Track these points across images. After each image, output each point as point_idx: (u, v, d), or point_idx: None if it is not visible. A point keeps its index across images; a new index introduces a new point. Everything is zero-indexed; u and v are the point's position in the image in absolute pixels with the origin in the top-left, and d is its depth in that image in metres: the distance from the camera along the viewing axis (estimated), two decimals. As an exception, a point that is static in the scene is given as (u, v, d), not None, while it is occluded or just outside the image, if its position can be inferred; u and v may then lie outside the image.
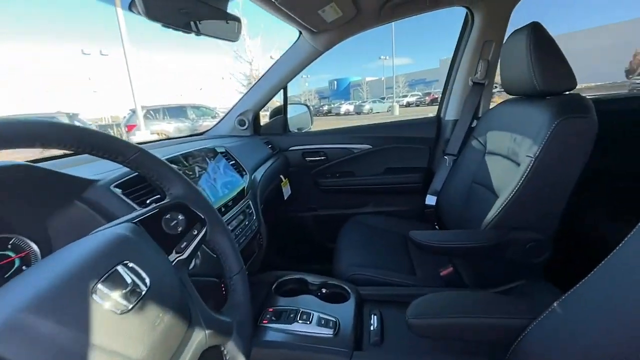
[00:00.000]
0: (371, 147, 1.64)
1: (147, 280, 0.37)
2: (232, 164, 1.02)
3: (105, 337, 0.31)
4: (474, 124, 1.40)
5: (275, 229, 1.83)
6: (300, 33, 1.37)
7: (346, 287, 0.97)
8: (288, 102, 1.78)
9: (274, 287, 0.96)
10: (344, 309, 0.88)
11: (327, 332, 0.77)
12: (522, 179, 0.86)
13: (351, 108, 26.99)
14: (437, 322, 0.59)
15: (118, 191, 0.59)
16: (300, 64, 1.44)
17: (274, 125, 1.73)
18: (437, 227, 1.49)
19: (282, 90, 1.62)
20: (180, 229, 0.47)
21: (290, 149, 1.69)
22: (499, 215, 0.90)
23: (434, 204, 1.47)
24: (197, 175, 0.80)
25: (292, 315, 0.81)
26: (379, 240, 1.31)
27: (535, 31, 0.92)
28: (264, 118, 1.78)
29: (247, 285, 0.53)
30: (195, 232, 0.49)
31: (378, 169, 1.65)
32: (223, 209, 0.81)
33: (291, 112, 1.87)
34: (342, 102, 32.07)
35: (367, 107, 26.05)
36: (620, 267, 0.46)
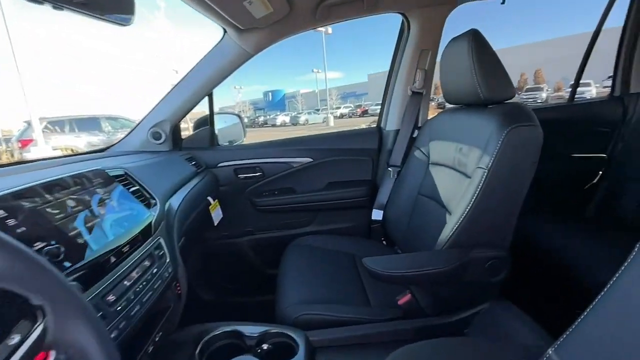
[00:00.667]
0: (312, 160, 1.50)
1: None
2: (133, 191, 0.77)
3: None
4: (415, 134, 1.36)
5: (206, 261, 1.56)
6: (225, 31, 1.17)
7: (293, 336, 0.79)
8: (217, 112, 1.56)
9: (198, 349, 0.74)
10: None
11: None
12: (477, 192, 0.80)
13: (287, 119, 27.08)
14: None
15: None
16: (226, 67, 1.24)
17: (198, 138, 1.49)
18: (384, 242, 1.41)
19: (207, 98, 1.39)
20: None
21: (220, 165, 1.46)
22: (456, 232, 0.83)
23: (380, 218, 1.38)
24: (70, 214, 0.55)
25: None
26: (326, 265, 1.16)
27: (476, 39, 0.88)
28: (186, 131, 1.52)
29: None
30: (16, 340, 0.27)
31: (320, 184, 1.51)
32: (113, 259, 0.57)
33: (220, 123, 1.65)
34: (278, 113, 31.97)
35: (303, 118, 26.40)
36: (621, 301, 0.38)
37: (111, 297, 0.54)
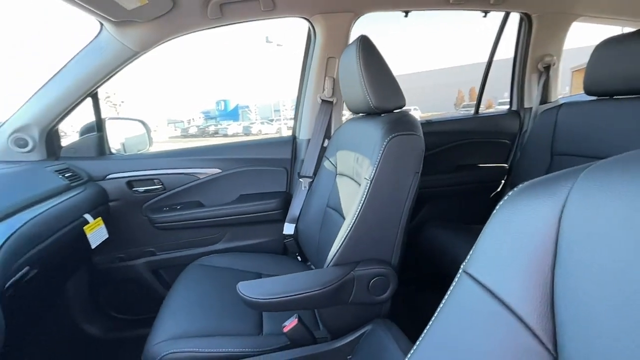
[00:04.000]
0: (220, 171, 1.37)
1: None
2: None
3: None
4: (326, 144, 1.32)
5: (94, 289, 1.34)
6: (102, 25, 1.02)
7: None
8: (109, 117, 1.37)
9: None
10: None
11: None
12: (361, 204, 0.75)
13: (240, 129, 26.42)
14: None
15: None
16: (106, 64, 1.08)
17: (82, 146, 1.28)
18: (299, 258, 1.33)
19: (90, 100, 1.21)
20: None
21: (109, 177, 1.27)
22: (341, 248, 0.77)
23: (292, 232, 1.30)
24: None
25: None
26: (225, 288, 1.03)
27: (364, 45, 0.85)
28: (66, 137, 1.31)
29: None
30: None
31: (230, 197, 1.39)
32: None
33: (121, 130, 1.46)
34: (231, 122, 31.09)
35: (256, 128, 25.96)
36: (439, 337, 0.34)
37: None
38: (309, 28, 1.28)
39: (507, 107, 1.67)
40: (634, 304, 0.20)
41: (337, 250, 0.76)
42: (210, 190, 1.37)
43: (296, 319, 0.78)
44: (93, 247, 1.10)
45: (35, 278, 0.86)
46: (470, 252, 0.34)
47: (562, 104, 1.21)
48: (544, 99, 1.54)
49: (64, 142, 1.27)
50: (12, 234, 0.74)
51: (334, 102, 1.33)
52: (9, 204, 0.80)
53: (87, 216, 1.10)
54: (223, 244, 1.39)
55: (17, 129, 1.09)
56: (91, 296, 1.32)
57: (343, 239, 0.76)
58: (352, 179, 0.96)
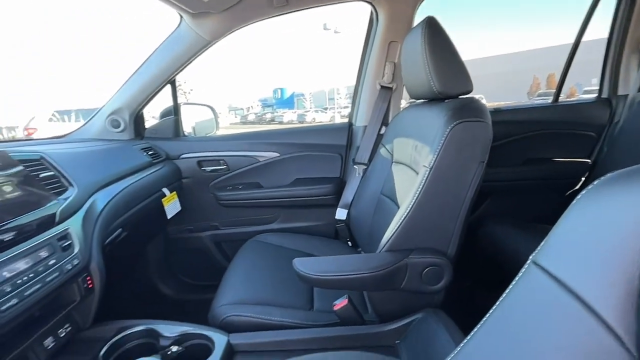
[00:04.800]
0: (279, 155, 1.44)
1: None
2: (46, 177, 0.73)
3: None
4: (383, 131, 1.30)
5: (168, 255, 1.52)
6: (182, 17, 1.13)
7: (212, 337, 0.74)
8: (184, 102, 1.52)
9: (104, 349, 0.69)
10: None
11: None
12: (418, 191, 0.74)
13: (294, 117, 27.04)
14: None
15: None
16: (185, 53, 1.20)
17: (161, 128, 1.44)
18: (349, 244, 1.35)
19: (170, 86, 1.35)
20: None
21: (183, 156, 1.42)
22: (396, 234, 0.77)
23: (344, 218, 1.32)
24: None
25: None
26: (279, 264, 1.11)
27: (430, 27, 0.82)
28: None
29: None
30: None
31: (287, 180, 1.46)
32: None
33: (192, 114, 1.61)
34: (286, 110, 31.96)
35: (310, 116, 26.32)
36: (501, 324, 0.34)
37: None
38: (372, 12, 1.25)
39: (595, 95, 1.46)
40: None
41: (391, 237, 0.76)
42: (268, 172, 1.45)
43: (346, 299, 0.81)
44: (169, 217, 1.25)
45: (125, 239, 1.02)
46: (542, 243, 0.33)
47: None
48: (645, 85, 1.32)
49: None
50: (111, 200, 0.88)
51: (394, 88, 1.30)
52: (109, 174, 0.95)
53: (165, 190, 1.24)
54: (278, 224, 1.47)
55: (112, 111, 1.27)
56: (165, 261, 1.50)
57: (397, 226, 0.76)
58: (410, 167, 0.94)
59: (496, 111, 1.45)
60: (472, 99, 0.81)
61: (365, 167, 1.31)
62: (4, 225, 0.57)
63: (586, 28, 1.37)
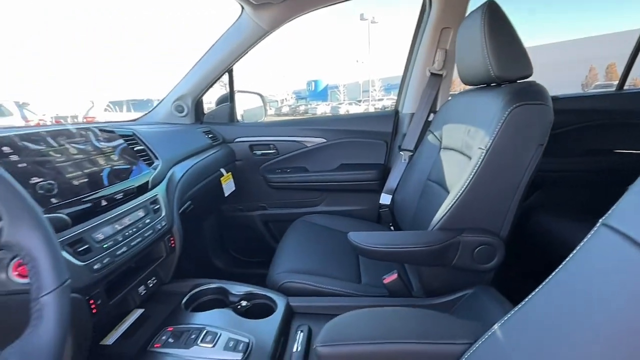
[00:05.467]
0: (325, 141, 1.51)
1: None
2: (138, 150, 0.84)
3: None
4: (430, 118, 1.31)
5: (221, 231, 1.65)
6: (243, 8, 1.21)
7: (274, 298, 0.82)
8: (238, 90, 1.62)
9: (184, 299, 0.80)
10: (265, 325, 0.73)
11: (233, 358, 0.62)
12: (473, 173, 0.76)
13: (328, 109, 27.01)
14: (351, 351, 0.46)
15: None
16: (243, 43, 1.28)
17: (218, 114, 1.56)
18: (392, 228, 1.38)
19: (227, 75, 1.45)
20: None
21: (237, 140, 1.53)
22: (448, 214, 0.80)
23: (388, 203, 1.36)
24: (71, 159, 0.62)
25: (193, 337, 0.65)
26: (327, 242, 1.18)
27: (491, 11, 0.82)
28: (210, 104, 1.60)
29: (64, 317, 0.35)
30: None
31: (332, 165, 1.52)
32: (104, 203, 0.64)
33: (243, 101, 1.71)
34: (319, 103, 32.00)
35: (343, 109, 26.15)
36: (566, 283, 0.36)
37: (99, 235, 0.60)
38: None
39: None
40: None
41: (443, 216, 0.79)
42: (315, 157, 1.52)
43: (396, 274, 0.85)
44: (226, 195, 1.36)
45: (191, 212, 1.13)
46: (613, 207, 0.35)
47: None
48: None
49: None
50: (185, 173, 0.99)
51: (444, 75, 1.30)
52: (182, 152, 1.07)
53: (222, 170, 1.35)
54: (323, 207, 1.54)
55: (178, 97, 1.39)
56: (219, 236, 1.64)
57: (450, 206, 0.79)
58: (461, 152, 0.95)
59: (553, 99, 1.40)
60: (532, 82, 0.80)
61: (411, 153, 1.33)
62: (115, 186, 0.68)
63: None
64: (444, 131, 1.10)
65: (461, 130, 0.96)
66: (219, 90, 1.61)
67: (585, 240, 0.37)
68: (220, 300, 0.83)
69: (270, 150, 1.54)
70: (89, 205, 0.60)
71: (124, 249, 0.64)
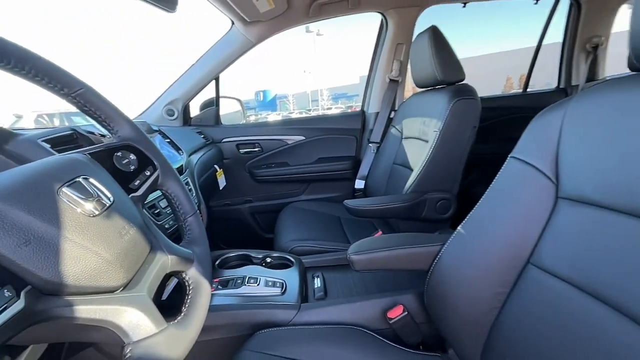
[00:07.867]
0: (304, 138, 1.73)
1: (110, 196, 0.37)
2: (167, 142, 0.99)
3: (74, 232, 0.31)
4: (392, 115, 1.61)
5: (210, 224, 1.77)
6: (233, 23, 1.40)
7: (289, 257, 1.02)
8: (222, 95, 1.77)
9: (217, 263, 0.96)
10: (288, 273, 0.93)
11: (275, 291, 0.81)
12: (431, 149, 1.05)
13: (278, 119, 27.08)
14: (373, 256, 0.69)
15: (46, 146, 0.55)
16: (232, 54, 1.47)
17: (205, 117, 1.70)
18: None
19: (214, 82, 1.61)
20: (132, 168, 0.47)
21: (224, 140, 1.68)
22: (415, 182, 1.08)
23: (362, 187, 1.62)
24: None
25: (239, 282, 0.83)
26: (315, 220, 1.40)
27: (434, 33, 1.14)
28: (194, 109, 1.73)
29: (203, 226, 0.54)
30: (148, 173, 0.49)
31: (311, 159, 1.75)
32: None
33: (223, 106, 1.86)
34: (269, 113, 32.04)
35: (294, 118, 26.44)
36: (488, 198, 0.64)
37: (161, 204, 0.76)
38: (382, 20, 1.57)
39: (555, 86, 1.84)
40: (600, 153, 0.48)
41: (413, 182, 1.07)
42: (295, 153, 1.74)
43: (380, 231, 1.11)
44: (220, 188, 1.52)
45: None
46: (517, 143, 0.63)
47: (607, 80, 1.39)
48: (591, 77, 1.70)
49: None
50: (196, 163, 1.14)
51: (400, 81, 1.62)
52: (191, 146, 1.22)
53: (216, 166, 1.51)
54: (305, 196, 1.76)
55: (168, 102, 1.52)
56: (207, 229, 1.75)
57: (417, 175, 1.07)
58: (419, 139, 1.25)
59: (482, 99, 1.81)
60: (465, 84, 1.13)
61: (378, 145, 1.62)
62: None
63: (545, 33, 1.75)
64: (404, 124, 1.40)
65: (418, 121, 1.27)
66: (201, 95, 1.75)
67: (500, 171, 0.65)
68: (245, 261, 1.00)
69: (255, 148, 1.72)
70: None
71: (171, 222, 0.80)
